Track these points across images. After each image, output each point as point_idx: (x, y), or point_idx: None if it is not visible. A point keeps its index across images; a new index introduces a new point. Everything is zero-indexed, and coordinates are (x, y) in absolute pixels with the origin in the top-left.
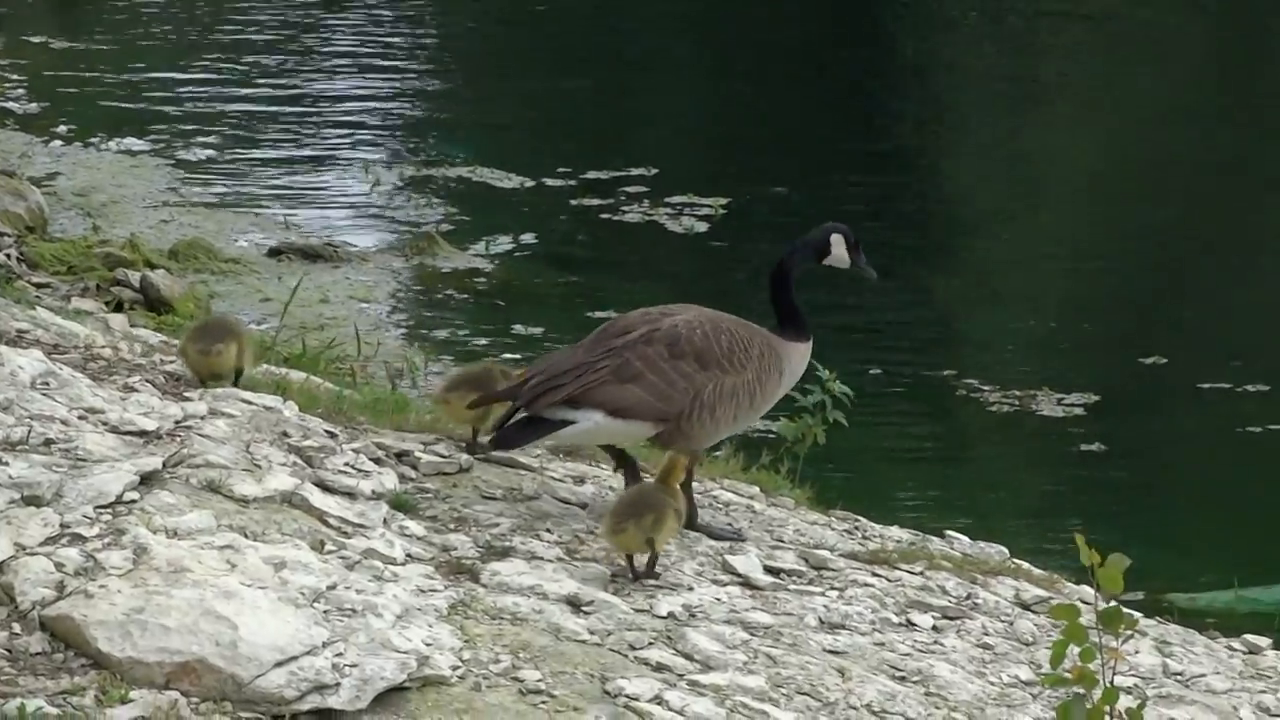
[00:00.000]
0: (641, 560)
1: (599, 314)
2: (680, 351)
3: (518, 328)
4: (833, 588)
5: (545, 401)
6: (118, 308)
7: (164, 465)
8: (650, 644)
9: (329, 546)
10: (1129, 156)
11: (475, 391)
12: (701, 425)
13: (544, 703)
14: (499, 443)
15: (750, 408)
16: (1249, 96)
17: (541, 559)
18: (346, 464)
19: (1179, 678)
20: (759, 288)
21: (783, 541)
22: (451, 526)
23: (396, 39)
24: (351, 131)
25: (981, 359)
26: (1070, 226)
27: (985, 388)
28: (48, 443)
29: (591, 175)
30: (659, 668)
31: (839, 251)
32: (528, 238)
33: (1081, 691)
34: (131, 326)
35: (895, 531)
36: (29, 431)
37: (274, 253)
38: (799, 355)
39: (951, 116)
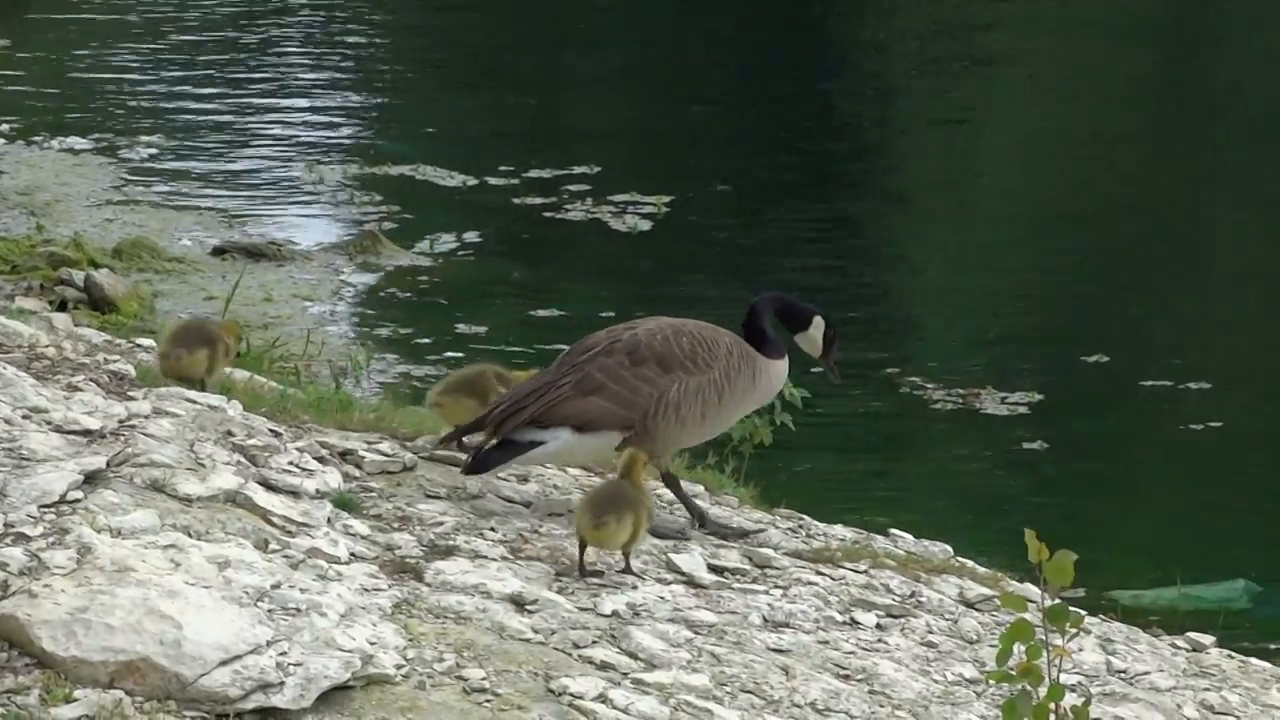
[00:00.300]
0: (592, 556)
1: (541, 312)
2: (641, 358)
3: (461, 326)
4: (777, 586)
5: (512, 424)
6: (61, 307)
7: (108, 464)
8: (594, 642)
9: (273, 545)
10: (1074, 155)
11: (470, 395)
12: (667, 424)
13: (488, 701)
14: (473, 468)
15: (720, 405)
16: (1194, 91)
17: (485, 558)
18: (291, 463)
19: (1123, 676)
20: (702, 284)
21: (726, 540)
22: (395, 525)
23: (340, 38)
24: (295, 130)
25: (925, 357)
26: (1014, 225)
27: (929, 386)
28: None
29: (534, 173)
30: (603, 666)
31: (815, 335)
32: (471, 236)
33: (1027, 689)
34: (75, 326)
35: (839, 530)
36: None
37: (218, 251)
38: (775, 370)
39: (896, 112)
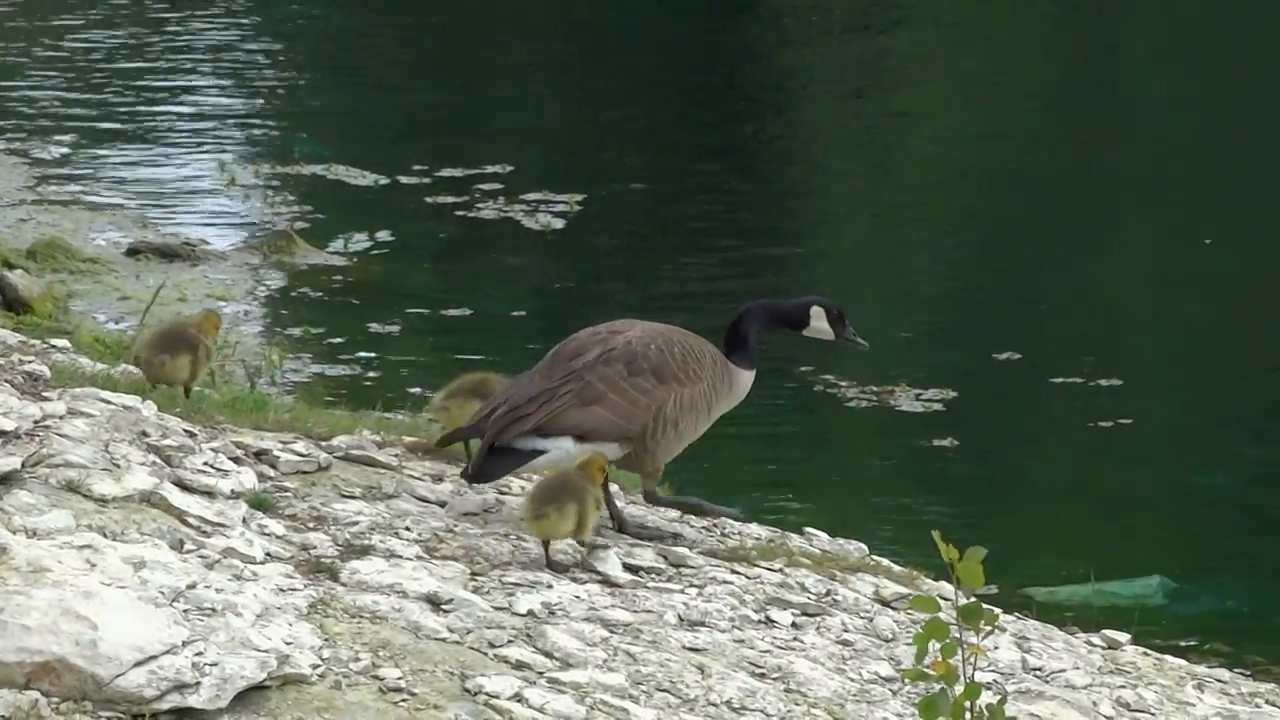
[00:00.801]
0: (556, 548)
1: (454, 312)
2: (638, 368)
3: (374, 326)
4: (692, 585)
5: (513, 432)
6: None
7: (22, 465)
8: (510, 642)
9: (188, 546)
10: (983, 154)
11: (474, 399)
12: (666, 440)
13: (404, 701)
14: (476, 478)
15: (707, 415)
16: (1105, 90)
17: (401, 557)
18: (205, 463)
19: (1038, 673)
20: (615, 283)
21: (641, 539)
22: (311, 525)
23: (250, 37)
24: (207, 129)
25: (839, 355)
26: (927, 223)
27: (843, 384)
28: None
29: (447, 173)
30: (519, 665)
31: (820, 324)
32: (384, 235)
33: (943, 687)
34: None
35: (754, 529)
36: None
37: (132, 252)
38: (743, 381)
39: (810, 111)
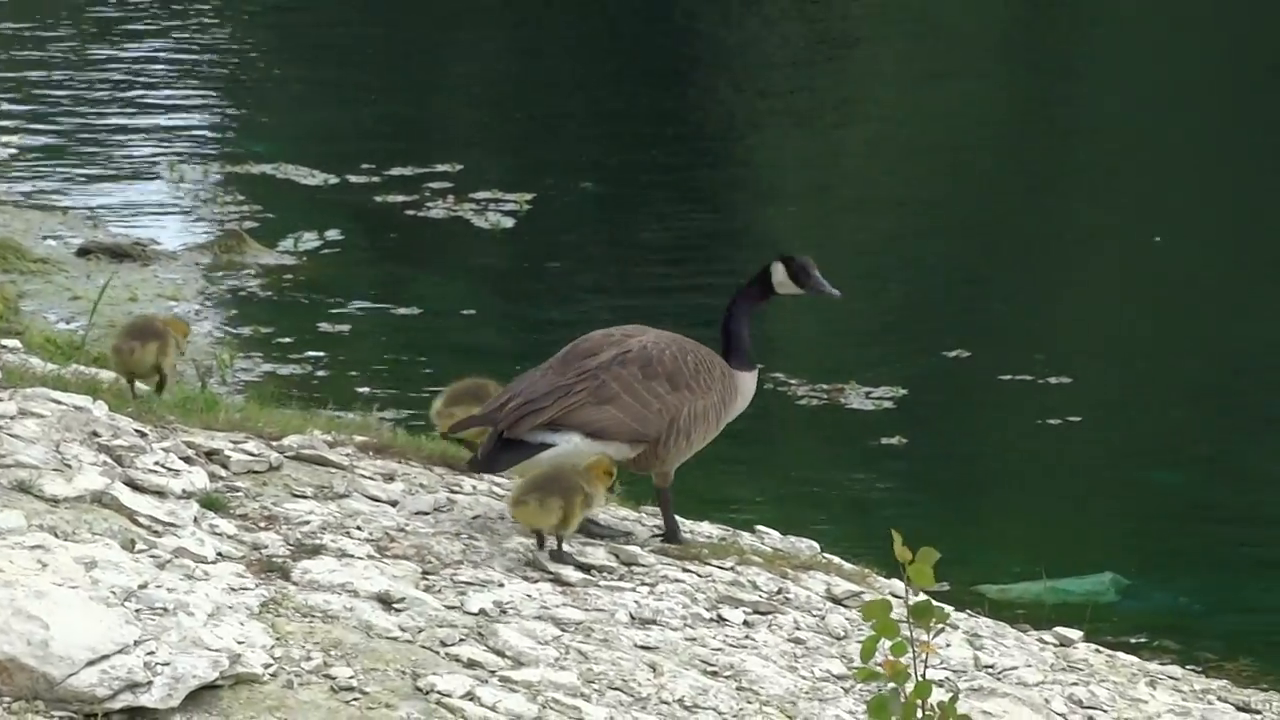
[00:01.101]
0: (551, 541)
1: (403, 310)
2: (653, 372)
3: (325, 325)
4: (643, 583)
5: (527, 425)
6: None
7: None
8: (461, 640)
9: (140, 545)
10: (933, 151)
11: (475, 403)
12: (677, 448)
13: (356, 700)
14: (482, 466)
15: (715, 427)
16: (1058, 88)
17: (352, 556)
18: (157, 463)
19: (990, 670)
20: (565, 281)
21: (593, 538)
22: (262, 525)
23: (200, 36)
24: (156, 130)
25: (790, 353)
26: (877, 221)
27: (793, 382)
28: None
29: (396, 172)
30: (470, 664)
31: (783, 281)
32: (333, 235)
33: (894, 686)
34: None
35: (706, 527)
36: None
37: (83, 252)
38: (746, 388)
39: (759, 108)
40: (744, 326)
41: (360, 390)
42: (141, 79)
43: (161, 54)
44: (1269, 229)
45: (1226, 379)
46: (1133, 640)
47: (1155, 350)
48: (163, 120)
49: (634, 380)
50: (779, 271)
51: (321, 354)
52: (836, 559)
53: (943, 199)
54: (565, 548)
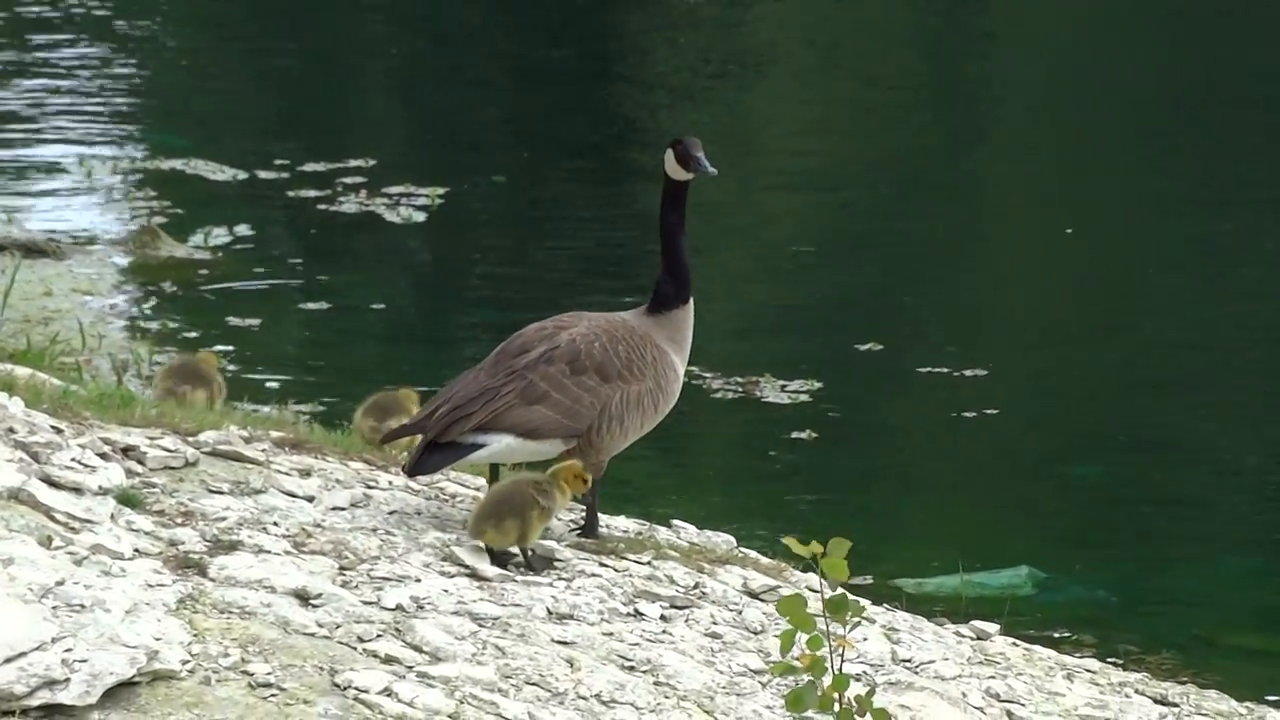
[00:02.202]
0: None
1: (317, 305)
2: (581, 367)
3: (237, 320)
4: (560, 578)
5: (455, 431)
6: None
7: None
8: (379, 636)
9: (56, 542)
10: (846, 141)
11: (390, 415)
12: (610, 436)
13: (273, 696)
14: (415, 469)
15: (654, 412)
16: (969, 85)
17: (269, 552)
18: (73, 460)
19: (908, 664)
20: (477, 275)
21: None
22: (179, 521)
23: (109, 29)
24: (66, 125)
25: (705, 346)
26: (793, 214)
27: (708, 375)
28: None
29: (308, 166)
30: (388, 660)
31: (671, 167)
32: (244, 230)
33: (811, 679)
34: None
35: (622, 521)
36: None
37: None
38: (685, 322)
39: (672, 102)
40: (686, 251)
41: (275, 385)
42: (50, 73)
43: (72, 49)
44: (1176, 218)
45: (1140, 371)
46: (1050, 634)
47: (1069, 342)
48: (74, 115)
49: (562, 377)
50: (670, 160)
51: (236, 349)
52: (753, 553)
53: (857, 194)
54: (532, 553)
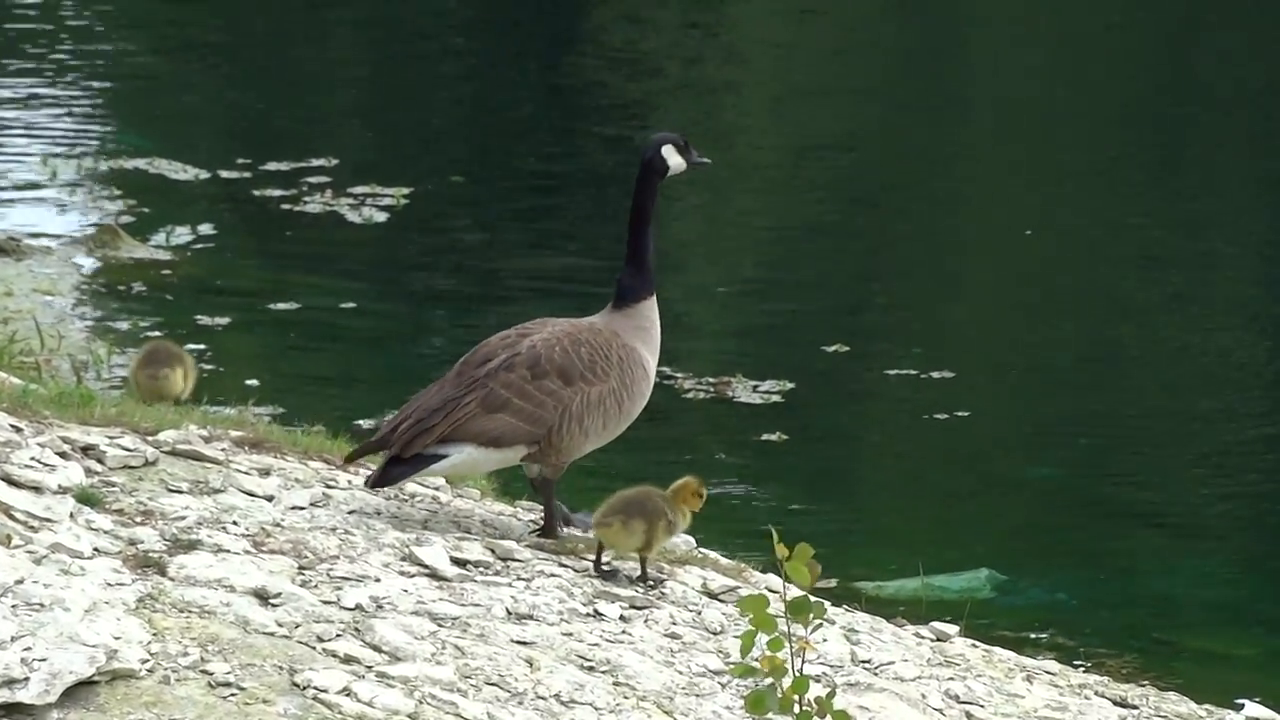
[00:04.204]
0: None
1: (278, 305)
2: (542, 371)
3: (199, 320)
4: (520, 578)
5: (418, 445)
6: None
7: None
8: (338, 636)
9: (15, 541)
10: (816, 144)
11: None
12: (571, 437)
13: (233, 695)
14: (378, 482)
15: (620, 413)
16: (933, 86)
17: (228, 551)
18: (32, 459)
19: (867, 665)
20: (441, 276)
21: (469, 533)
22: (138, 520)
23: (70, 26)
24: (26, 123)
25: (677, 346)
26: (764, 215)
27: (679, 375)
28: None
29: (271, 166)
30: (347, 659)
31: (675, 160)
32: (207, 229)
33: (771, 681)
34: None
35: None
36: None
37: None
38: (651, 314)
39: (643, 104)
40: (651, 244)
41: (235, 385)
42: (9, 72)
43: (30, 45)
44: (1136, 221)
45: (1102, 374)
46: (1010, 635)
47: (1031, 345)
48: (35, 114)
49: (523, 383)
50: (672, 154)
51: (196, 348)
52: (713, 554)
53: (824, 197)
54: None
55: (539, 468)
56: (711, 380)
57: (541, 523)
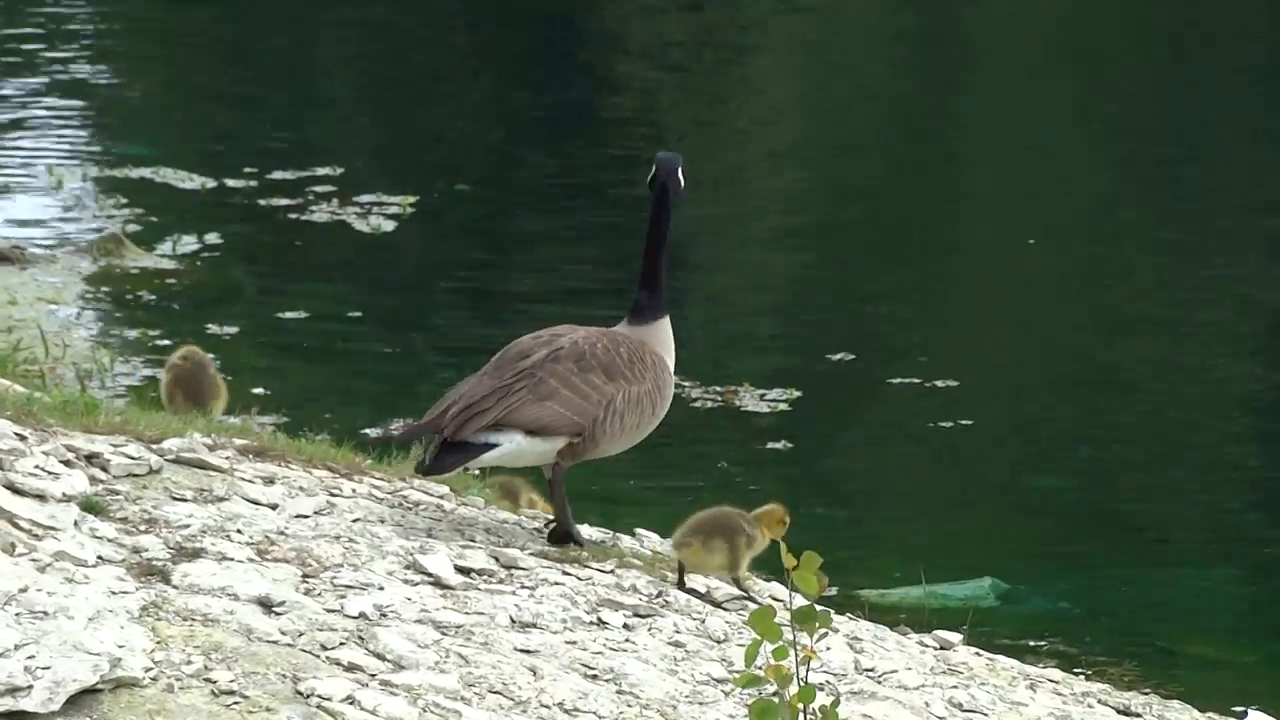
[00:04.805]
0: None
1: (284, 314)
2: (589, 365)
3: (205, 328)
4: (524, 587)
5: (471, 428)
6: None
7: None
8: (342, 644)
9: (20, 549)
10: (824, 157)
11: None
12: (611, 432)
13: (236, 704)
14: (431, 470)
15: (652, 414)
16: (942, 98)
17: (232, 560)
18: (37, 466)
19: (871, 674)
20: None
21: (473, 541)
22: (142, 528)
23: (77, 35)
24: (33, 132)
25: (685, 355)
26: (770, 224)
27: (687, 384)
28: None
29: (277, 175)
30: (351, 668)
31: (682, 186)
32: (214, 238)
33: (776, 690)
34: None
35: (586, 530)
36: None
37: None
38: (668, 332)
39: (647, 113)
40: (657, 268)
41: (240, 393)
42: (16, 79)
43: (37, 53)
44: (1142, 232)
45: (1105, 385)
46: (1013, 644)
47: (1035, 355)
48: (40, 122)
49: (570, 374)
50: (680, 178)
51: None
52: None
53: (829, 206)
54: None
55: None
56: (719, 389)
57: (552, 524)
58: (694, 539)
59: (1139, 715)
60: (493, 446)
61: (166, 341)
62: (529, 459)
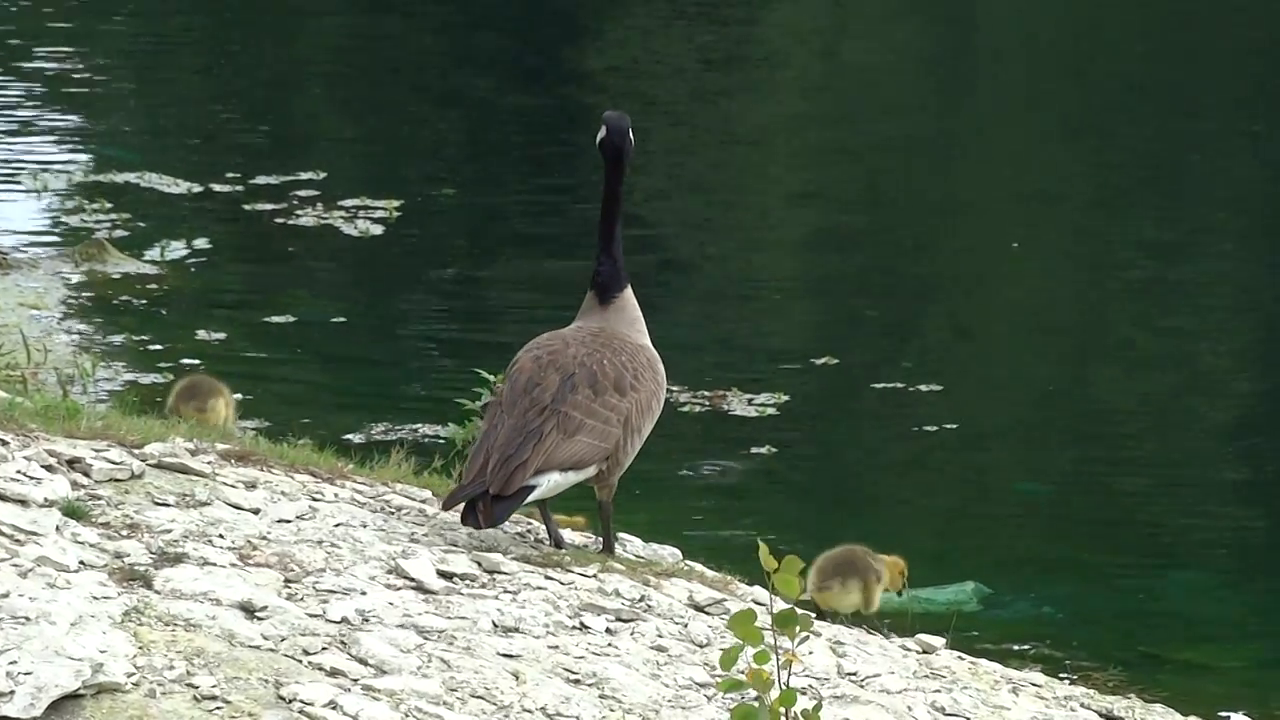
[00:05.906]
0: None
1: (269, 319)
2: (602, 387)
3: (188, 334)
4: (506, 591)
5: (518, 480)
6: None
7: None
8: (324, 649)
9: (1, 554)
10: (806, 166)
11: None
12: (632, 447)
13: (219, 709)
14: (486, 523)
15: (658, 413)
16: (939, 105)
17: (214, 564)
18: (18, 471)
19: (853, 678)
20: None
21: (455, 545)
22: (124, 533)
23: (60, 39)
24: (15, 137)
25: (668, 358)
26: (755, 229)
27: (675, 388)
28: None
29: (262, 180)
30: (333, 673)
31: (630, 142)
32: (200, 243)
33: (758, 694)
34: None
35: (568, 534)
36: None
37: None
38: (634, 303)
39: (637, 116)
40: (610, 246)
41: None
42: (2, 85)
43: (20, 61)
44: (1128, 235)
45: (1090, 389)
46: (996, 648)
47: (1019, 359)
48: (23, 127)
49: (590, 401)
50: (630, 135)
51: (184, 362)
52: (699, 566)
53: (816, 212)
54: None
55: (597, 490)
56: (706, 394)
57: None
58: (833, 582)
59: (1122, 719)
60: (534, 489)
61: (149, 347)
62: (562, 489)
